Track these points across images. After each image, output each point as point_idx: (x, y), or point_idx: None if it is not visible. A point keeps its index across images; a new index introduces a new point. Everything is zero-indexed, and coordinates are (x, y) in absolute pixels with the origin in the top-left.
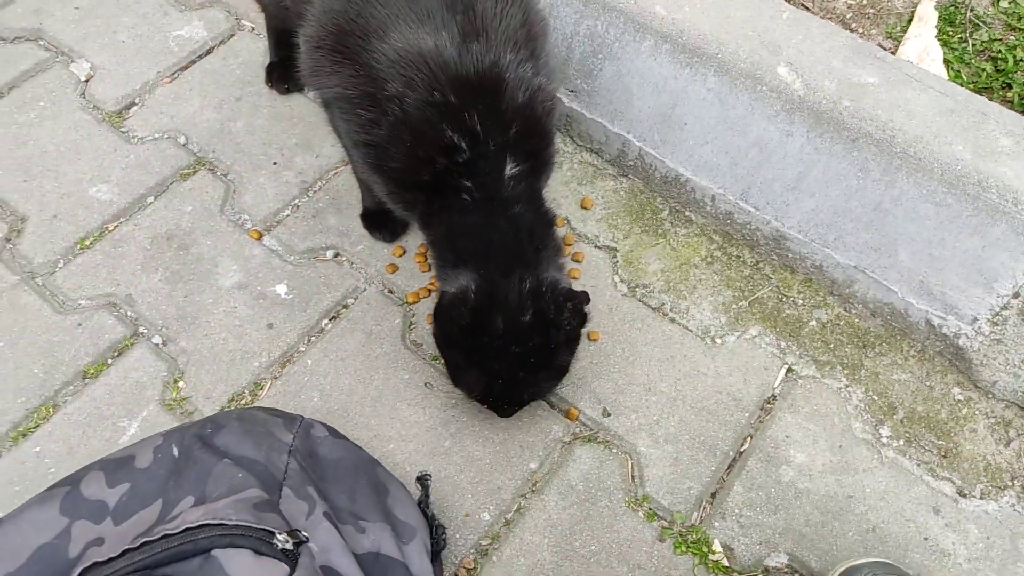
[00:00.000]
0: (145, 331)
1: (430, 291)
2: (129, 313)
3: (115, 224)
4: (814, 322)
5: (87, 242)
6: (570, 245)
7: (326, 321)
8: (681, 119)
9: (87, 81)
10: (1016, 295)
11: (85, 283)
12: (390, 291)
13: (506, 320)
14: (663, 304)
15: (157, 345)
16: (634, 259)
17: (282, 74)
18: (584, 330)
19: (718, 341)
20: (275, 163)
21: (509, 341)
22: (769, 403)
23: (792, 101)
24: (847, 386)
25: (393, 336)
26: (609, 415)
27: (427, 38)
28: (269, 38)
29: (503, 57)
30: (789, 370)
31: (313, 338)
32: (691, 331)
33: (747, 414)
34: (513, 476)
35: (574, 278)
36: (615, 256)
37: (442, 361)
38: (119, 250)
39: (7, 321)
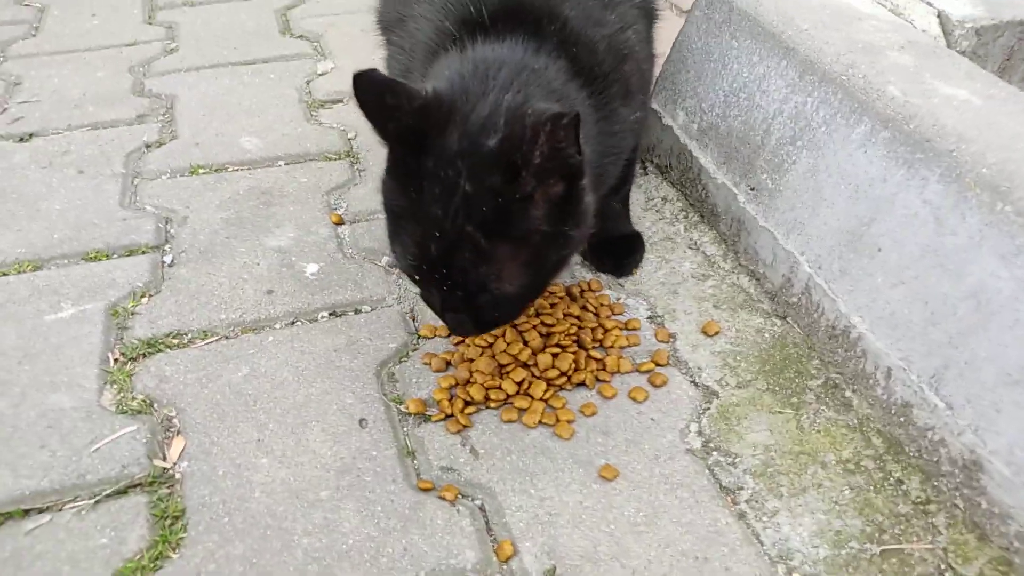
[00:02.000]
0: (168, 248)
1: (449, 333)
2: (171, 230)
3: (236, 168)
4: None
5: (201, 171)
6: (660, 365)
7: (325, 314)
8: (875, 242)
9: (320, 75)
10: None
11: (165, 196)
12: (413, 317)
13: (462, 139)
14: (741, 488)
15: (164, 263)
16: (733, 416)
17: None
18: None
19: None
20: None
21: (459, 171)
22: None
23: None
24: None
25: (374, 358)
26: None
27: None
28: None
29: None
30: None
31: (299, 322)
32: (762, 544)
33: None
34: None
35: (635, 399)
36: (709, 401)
37: (400, 407)
38: (218, 185)
39: (76, 195)
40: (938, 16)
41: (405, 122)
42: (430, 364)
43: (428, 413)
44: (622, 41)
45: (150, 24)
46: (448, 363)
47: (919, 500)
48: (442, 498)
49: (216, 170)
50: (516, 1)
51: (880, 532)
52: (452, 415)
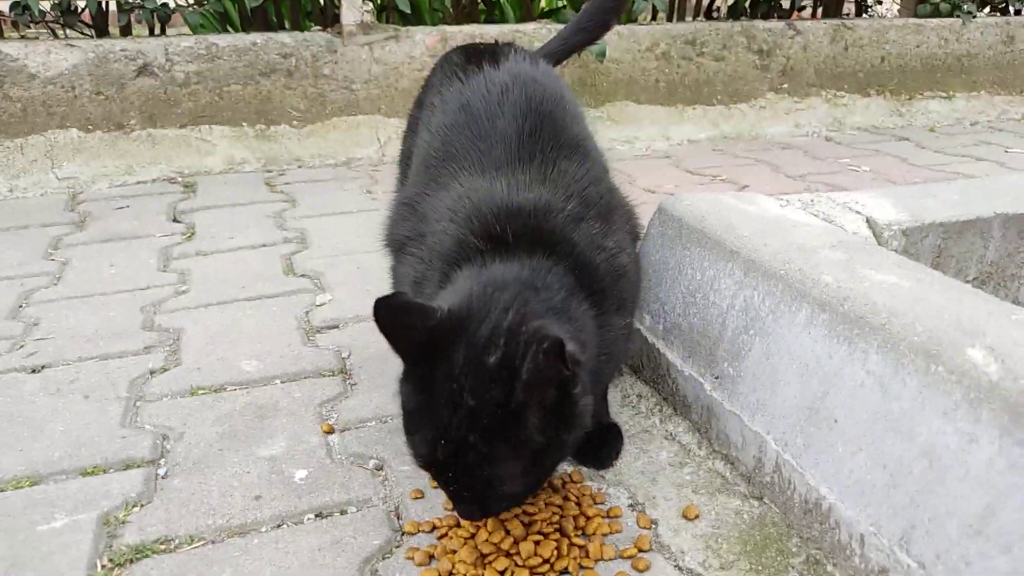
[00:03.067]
0: (164, 462)
1: (433, 527)
2: (167, 446)
3: (233, 389)
4: None
5: (200, 392)
6: (643, 550)
7: (311, 516)
8: (831, 413)
9: (319, 306)
10: None
11: (162, 416)
12: (398, 515)
13: (467, 356)
14: None
15: (158, 475)
16: None
17: None
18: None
19: None
20: None
21: (463, 385)
22: None
23: (979, 388)
24: None
25: (358, 556)
26: None
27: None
28: None
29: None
30: None
31: (285, 524)
32: None
33: None
34: None
35: None
36: None
37: None
38: (216, 405)
39: (70, 409)
40: (867, 221)
41: (418, 340)
42: (413, 558)
43: None
44: (618, 263)
45: (164, 272)
46: (431, 556)
47: None
48: None
49: (215, 391)
50: (536, 225)
51: None
52: None
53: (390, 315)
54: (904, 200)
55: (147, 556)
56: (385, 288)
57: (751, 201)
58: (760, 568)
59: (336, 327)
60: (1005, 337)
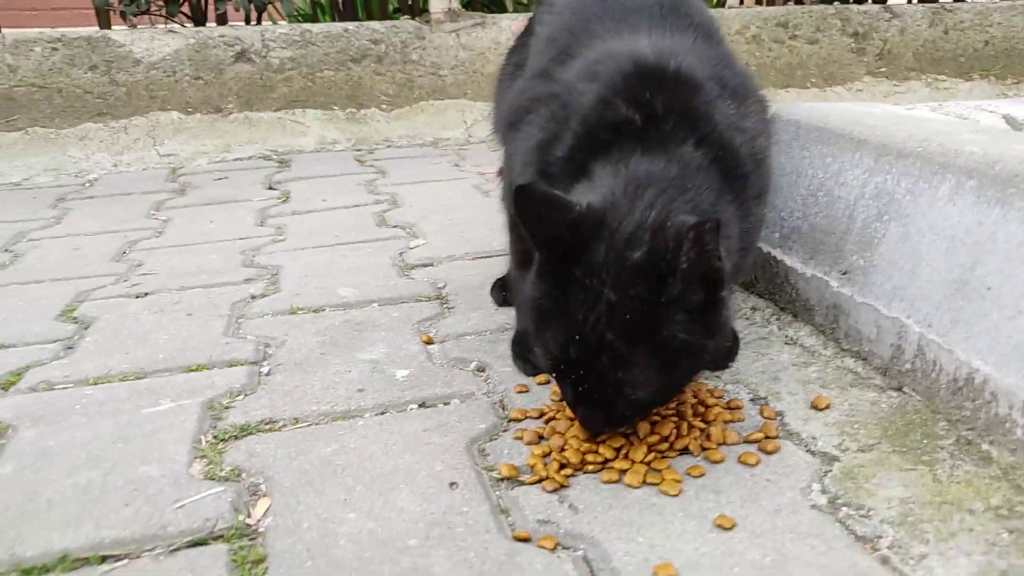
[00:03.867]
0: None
1: (541, 413)
2: (268, 351)
3: (333, 309)
4: None
5: (300, 311)
6: (769, 437)
7: (415, 406)
8: (983, 282)
9: (412, 248)
10: None
11: (261, 328)
12: (503, 406)
13: (609, 251)
14: (880, 537)
15: (260, 373)
16: (859, 475)
17: (501, 285)
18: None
19: None
20: (498, 308)
21: (603, 281)
22: None
23: None
24: None
25: (464, 437)
26: None
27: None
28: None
29: None
30: None
31: (388, 412)
32: None
33: None
34: None
35: (746, 463)
36: (830, 465)
37: (492, 472)
38: (314, 321)
39: (187, 330)
40: (1003, 117)
41: (557, 233)
42: (522, 438)
43: (521, 478)
44: (758, 147)
45: (261, 226)
46: (540, 436)
47: None
48: (541, 547)
49: (314, 311)
50: (684, 101)
51: None
52: (547, 477)
53: (531, 203)
54: None
55: (251, 434)
56: (480, 237)
57: (873, 106)
58: (905, 450)
59: (431, 265)
60: None
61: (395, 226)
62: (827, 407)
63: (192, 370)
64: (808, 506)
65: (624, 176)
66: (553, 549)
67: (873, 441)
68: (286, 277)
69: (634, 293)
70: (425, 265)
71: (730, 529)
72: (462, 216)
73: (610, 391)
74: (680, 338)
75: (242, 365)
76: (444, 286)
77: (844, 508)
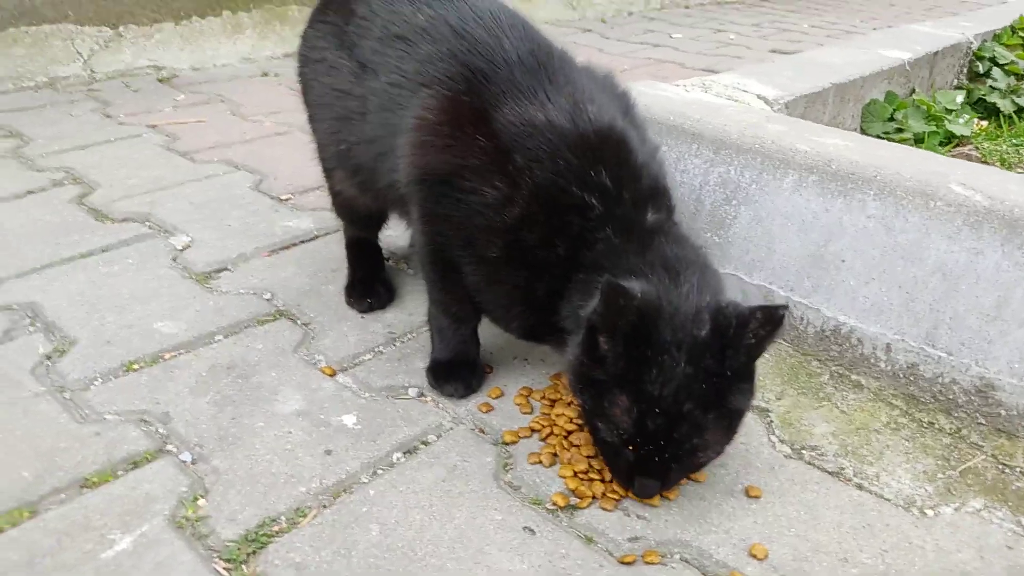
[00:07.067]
0: (174, 448)
1: (532, 431)
2: (160, 430)
3: (173, 354)
4: None
5: (136, 366)
6: None
7: (399, 455)
8: (837, 256)
9: (183, 250)
10: None
11: (119, 399)
12: (482, 430)
13: (675, 330)
14: (843, 468)
15: (184, 462)
16: (793, 420)
17: (363, 290)
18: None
19: (929, 512)
20: (363, 317)
21: (678, 357)
22: None
23: (976, 213)
24: None
25: (484, 474)
26: None
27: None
28: (349, 255)
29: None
30: None
31: (380, 470)
32: (888, 500)
33: None
34: None
35: None
36: (768, 417)
37: (546, 505)
38: (170, 375)
39: (8, 425)
40: (759, 97)
41: (629, 319)
42: (541, 462)
43: (572, 502)
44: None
45: None
46: (554, 454)
47: (952, 430)
48: (649, 563)
49: (151, 362)
50: (643, 176)
51: (947, 460)
52: (598, 495)
53: (619, 298)
54: (765, 79)
55: (266, 543)
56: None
57: (664, 89)
58: (802, 390)
59: (227, 269)
60: (968, 175)
61: (124, 219)
62: None
63: (90, 484)
64: (783, 456)
65: (659, 260)
66: (660, 561)
67: (780, 388)
68: (60, 318)
69: (705, 365)
70: (220, 270)
71: (758, 497)
72: (194, 194)
73: (684, 455)
74: (737, 401)
75: (149, 459)
76: (272, 297)
77: (804, 452)
